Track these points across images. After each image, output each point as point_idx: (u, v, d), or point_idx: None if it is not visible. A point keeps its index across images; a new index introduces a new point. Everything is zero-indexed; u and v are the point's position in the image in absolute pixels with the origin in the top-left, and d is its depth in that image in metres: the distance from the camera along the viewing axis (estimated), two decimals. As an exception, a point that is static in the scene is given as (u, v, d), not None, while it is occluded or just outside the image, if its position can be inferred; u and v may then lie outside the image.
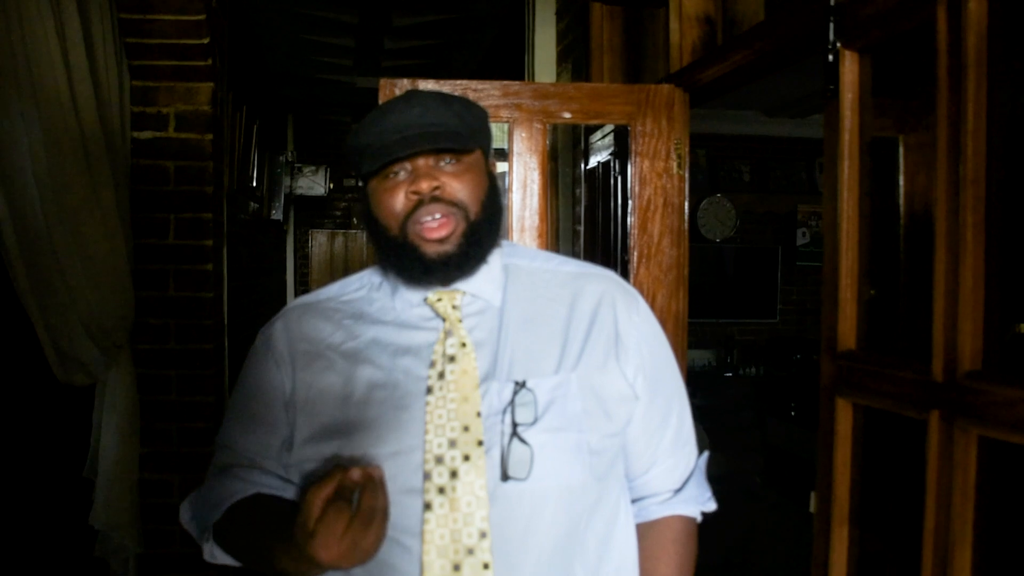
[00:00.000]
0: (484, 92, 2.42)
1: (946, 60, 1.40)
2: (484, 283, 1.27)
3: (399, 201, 1.20)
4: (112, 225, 2.84)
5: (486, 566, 1.12)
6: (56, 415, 3.64)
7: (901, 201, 2.28)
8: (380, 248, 1.26)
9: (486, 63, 5.84)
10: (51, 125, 2.58)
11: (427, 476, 1.14)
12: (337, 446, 1.18)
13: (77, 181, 2.68)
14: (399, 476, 1.14)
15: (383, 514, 1.02)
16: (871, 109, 1.73)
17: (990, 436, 1.34)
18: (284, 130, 7.58)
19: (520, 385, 1.19)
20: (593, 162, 3.28)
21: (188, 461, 3.16)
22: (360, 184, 1.30)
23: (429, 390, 1.18)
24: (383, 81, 2.45)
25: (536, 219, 2.46)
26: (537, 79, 3.74)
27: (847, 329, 1.74)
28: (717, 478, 1.42)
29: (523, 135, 2.43)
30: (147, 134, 3.08)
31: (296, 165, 7.09)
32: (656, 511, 1.35)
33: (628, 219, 2.54)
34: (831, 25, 1.73)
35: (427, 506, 1.13)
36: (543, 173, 2.45)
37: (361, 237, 8.64)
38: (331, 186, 7.61)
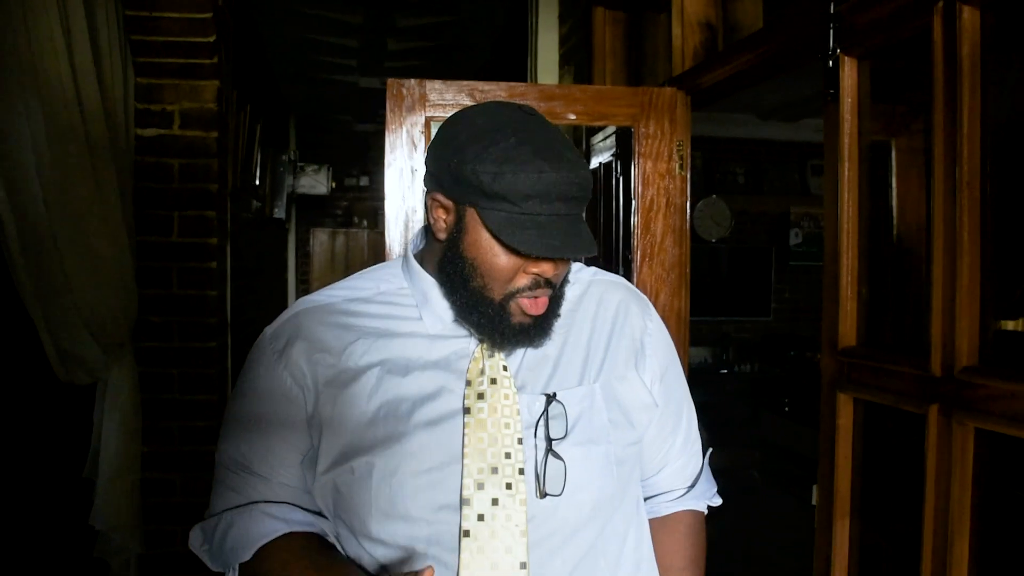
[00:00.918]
0: (490, 93, 2.45)
1: (942, 66, 1.45)
2: None
3: (514, 273, 1.13)
4: (115, 222, 2.81)
5: None
6: (56, 414, 3.60)
7: (894, 203, 2.33)
8: (460, 295, 1.16)
9: (489, 66, 5.88)
10: (55, 121, 2.55)
11: (466, 502, 1.11)
12: (366, 463, 1.13)
13: (80, 178, 2.65)
14: (434, 493, 1.12)
15: None
16: (869, 113, 1.78)
17: (987, 429, 1.39)
18: (287, 129, 7.59)
19: (551, 398, 1.17)
20: (595, 163, 3.32)
21: (190, 460, 3.14)
22: (451, 201, 1.15)
23: (467, 410, 1.14)
24: (390, 81, 2.49)
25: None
26: (540, 82, 3.78)
27: (848, 326, 1.78)
28: (714, 473, 1.46)
29: (528, 136, 2.47)
30: (151, 131, 3.07)
31: (298, 164, 7.11)
32: (668, 507, 1.38)
33: (631, 219, 2.58)
34: (831, 32, 1.78)
35: (466, 533, 1.11)
36: (548, 174, 2.50)
37: (362, 236, 8.66)
38: (333, 185, 7.63)
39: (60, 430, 3.57)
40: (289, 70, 6.30)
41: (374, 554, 1.13)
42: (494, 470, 1.12)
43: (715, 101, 2.64)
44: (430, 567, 0.97)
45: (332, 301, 1.25)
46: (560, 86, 3.35)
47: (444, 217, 1.17)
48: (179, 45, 3.05)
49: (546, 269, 1.12)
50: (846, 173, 1.77)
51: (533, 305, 1.14)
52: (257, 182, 5.06)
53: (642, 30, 3.27)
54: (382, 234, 2.53)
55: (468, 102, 2.44)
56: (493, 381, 1.16)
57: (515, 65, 4.41)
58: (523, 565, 1.11)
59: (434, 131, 2.52)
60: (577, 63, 3.59)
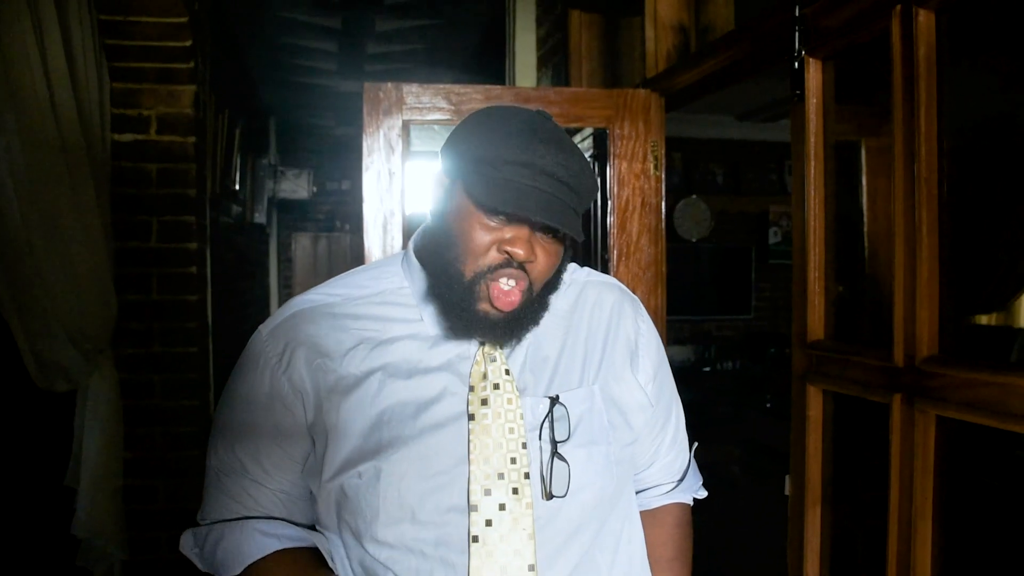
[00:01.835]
0: (466, 96, 2.48)
1: (900, 68, 1.50)
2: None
3: (487, 248, 1.13)
4: (93, 229, 2.79)
5: None
6: (36, 422, 3.55)
7: (864, 200, 2.38)
8: (437, 267, 1.17)
9: (468, 68, 5.91)
10: (29, 127, 2.51)
11: (474, 508, 1.12)
12: (373, 468, 1.13)
13: (56, 184, 2.62)
14: (441, 496, 1.13)
15: None
16: (834, 113, 1.82)
17: (947, 416, 1.44)
18: (267, 134, 7.57)
19: (555, 400, 1.18)
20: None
21: (173, 466, 3.13)
22: (447, 178, 1.19)
23: (472, 416, 1.15)
24: (367, 85, 2.51)
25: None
26: (518, 84, 3.81)
27: (816, 320, 1.83)
28: (698, 469, 1.50)
29: (504, 138, 2.50)
30: (128, 136, 3.05)
31: (279, 168, 7.10)
32: (657, 501, 1.41)
33: (608, 219, 2.62)
34: (796, 34, 1.82)
35: (475, 538, 1.12)
36: (524, 175, 2.52)
37: (345, 240, 8.65)
38: (314, 189, 7.63)
39: (40, 438, 3.50)
40: (268, 74, 6.29)
41: (379, 557, 1.14)
42: (500, 475, 1.13)
43: (688, 102, 2.68)
44: None
45: (330, 301, 1.23)
46: (535, 88, 3.39)
47: (439, 194, 1.19)
48: (155, 50, 3.03)
49: (519, 247, 1.11)
50: (812, 172, 1.82)
51: (502, 295, 1.13)
52: (237, 187, 5.06)
53: (618, 32, 3.31)
54: (364, 237, 2.56)
55: (445, 106, 2.47)
56: (496, 386, 1.17)
57: (494, 67, 4.44)
58: (531, 567, 1.13)
59: (411, 134, 2.55)
60: (555, 65, 3.63)
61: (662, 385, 1.35)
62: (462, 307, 1.14)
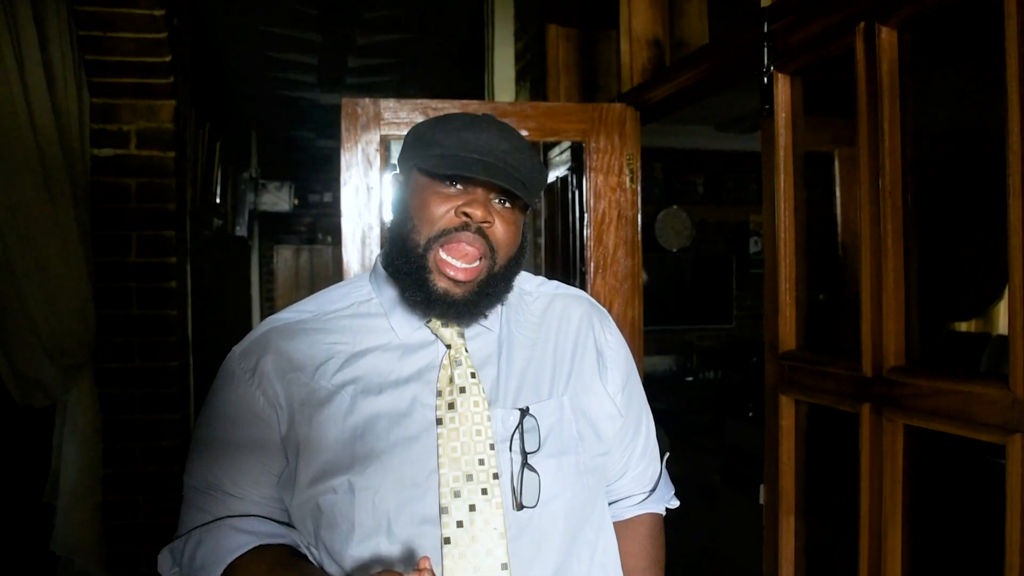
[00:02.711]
0: (444, 110, 2.50)
1: (864, 83, 1.54)
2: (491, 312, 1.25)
3: (444, 212, 1.16)
4: (71, 243, 2.79)
5: None
6: (14, 438, 3.52)
7: (838, 210, 2.41)
8: (394, 245, 1.21)
9: (447, 82, 5.94)
10: (7, 142, 2.52)
11: (444, 510, 1.13)
12: (347, 482, 1.13)
13: (34, 199, 2.63)
14: (415, 507, 1.14)
15: None
16: (803, 126, 1.85)
17: (914, 425, 1.46)
18: (248, 147, 7.56)
19: (525, 412, 1.19)
20: (552, 177, 3.38)
21: (154, 481, 3.12)
22: (398, 171, 1.25)
23: (439, 421, 1.16)
24: (345, 100, 2.53)
25: (495, 232, 2.55)
26: (497, 98, 3.84)
27: (787, 331, 1.85)
28: (679, 478, 1.51)
29: (482, 152, 2.52)
30: (108, 151, 3.05)
31: (260, 181, 7.11)
32: (630, 511, 1.42)
33: (584, 231, 2.64)
34: (766, 50, 1.85)
35: (447, 540, 1.13)
36: (501, 188, 2.54)
37: (327, 252, 8.65)
38: (296, 202, 7.64)
39: (18, 454, 3.47)
40: (249, 88, 6.31)
41: (355, 570, 1.14)
42: (469, 477, 1.14)
43: (663, 115, 2.71)
44: (425, 557, 1.00)
45: (302, 318, 1.25)
46: (512, 103, 3.41)
47: (395, 191, 1.24)
48: (134, 65, 3.04)
49: (475, 208, 1.14)
50: (782, 184, 1.85)
51: (452, 265, 1.15)
52: (218, 200, 5.06)
53: (595, 47, 3.35)
54: (346, 250, 2.57)
55: (422, 120, 2.49)
56: (462, 390, 1.18)
57: (473, 81, 4.46)
58: (504, 566, 1.14)
59: (390, 149, 2.57)
60: (532, 79, 3.66)
61: (632, 396, 1.37)
62: (419, 279, 1.16)
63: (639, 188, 2.63)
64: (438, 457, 1.15)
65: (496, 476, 1.16)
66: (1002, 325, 3.61)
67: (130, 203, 3.08)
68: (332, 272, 8.67)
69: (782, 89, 1.83)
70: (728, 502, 4.82)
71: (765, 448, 1.92)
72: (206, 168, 4.48)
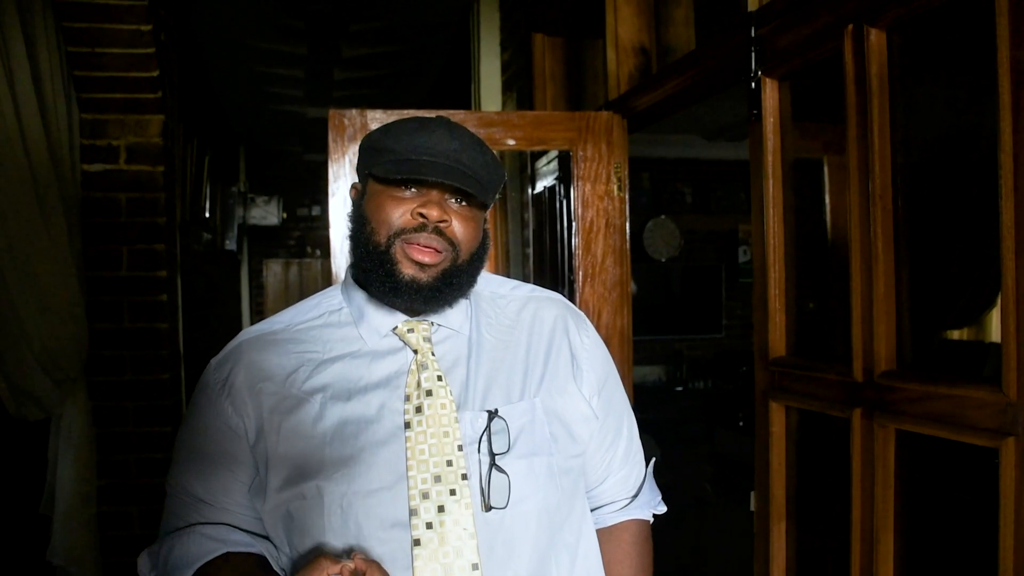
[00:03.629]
0: (432, 121, 2.50)
1: (853, 87, 1.54)
2: (453, 312, 1.27)
3: (401, 215, 1.18)
4: (63, 258, 2.82)
5: None
6: (9, 451, 3.56)
7: (828, 217, 2.42)
8: (358, 250, 1.23)
9: (434, 93, 5.95)
10: None
11: (413, 512, 1.14)
12: (316, 487, 1.15)
13: (27, 215, 2.66)
14: (385, 512, 1.14)
15: None
16: (791, 132, 1.86)
17: (905, 429, 1.46)
18: (236, 161, 7.57)
19: (493, 414, 1.20)
20: (539, 187, 3.39)
21: (147, 492, 3.14)
22: (358, 182, 1.28)
23: (407, 425, 1.18)
24: (332, 112, 2.53)
25: (485, 242, 2.55)
26: (483, 108, 3.85)
27: (777, 337, 1.85)
28: (670, 487, 1.50)
29: (470, 162, 2.52)
30: (98, 167, 3.07)
31: (249, 196, 7.10)
32: (613, 518, 1.41)
33: (572, 240, 2.64)
34: (753, 54, 1.86)
35: (416, 542, 1.13)
36: (490, 198, 2.54)
37: (316, 266, 8.65)
38: (284, 216, 7.63)
39: (14, 467, 3.51)
40: (236, 102, 6.31)
41: None
42: (437, 479, 1.15)
43: (651, 123, 2.71)
44: (356, 553, 1.04)
45: (274, 328, 1.28)
46: (499, 113, 3.42)
47: (355, 201, 1.27)
48: (123, 80, 3.06)
49: (430, 209, 1.16)
50: (771, 189, 1.85)
51: (419, 251, 1.17)
52: (207, 214, 5.06)
53: (581, 55, 3.35)
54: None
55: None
56: (429, 393, 1.19)
57: (460, 92, 4.47)
58: (475, 566, 1.14)
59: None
60: (519, 89, 3.67)
61: (611, 399, 1.37)
62: (386, 271, 1.18)
63: (627, 196, 2.64)
64: (406, 460, 1.16)
65: (465, 477, 1.17)
66: (995, 333, 3.61)
67: (120, 218, 3.11)
68: (321, 285, 8.64)
69: (770, 94, 1.84)
70: (719, 511, 4.80)
71: (756, 455, 1.92)
72: (195, 183, 4.48)
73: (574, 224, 2.62)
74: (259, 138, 7.80)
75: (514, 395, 1.25)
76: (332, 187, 2.48)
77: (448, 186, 1.18)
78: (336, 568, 1.02)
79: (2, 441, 3.45)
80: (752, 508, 1.95)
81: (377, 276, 1.19)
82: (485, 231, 1.27)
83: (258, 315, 8.51)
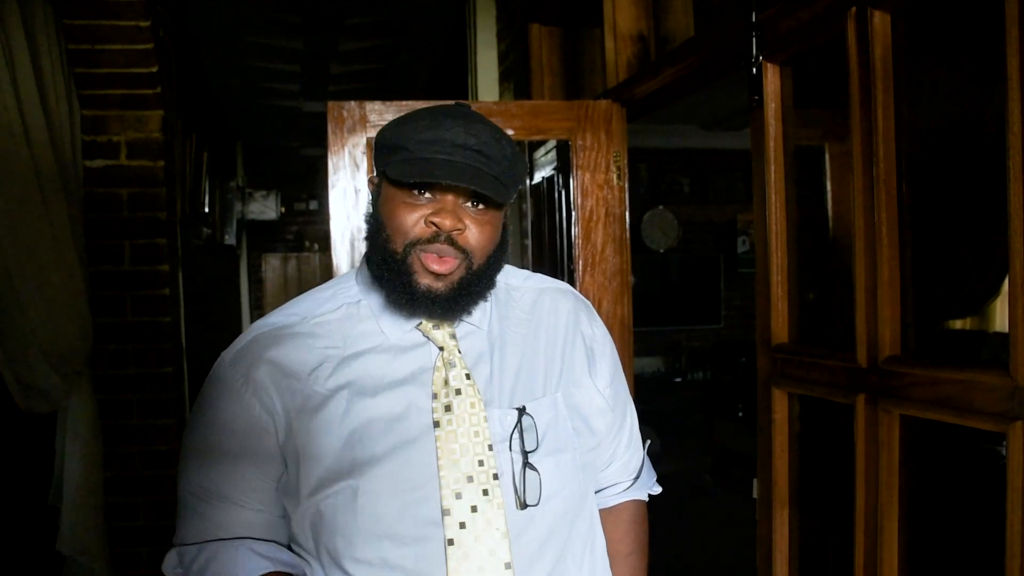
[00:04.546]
0: (431, 112, 2.50)
1: (857, 70, 1.53)
2: (476, 309, 1.24)
3: (415, 222, 1.14)
4: (68, 253, 2.85)
5: None
6: (19, 443, 3.61)
7: (829, 205, 2.41)
8: (374, 253, 1.20)
9: (431, 85, 5.94)
10: (3, 155, 2.59)
11: (446, 512, 1.13)
12: (349, 487, 1.13)
13: (32, 211, 2.70)
14: (418, 512, 1.14)
15: None
16: (793, 118, 1.85)
17: (910, 415, 1.46)
18: (234, 156, 7.57)
19: (522, 411, 1.20)
20: (538, 177, 3.38)
21: (152, 483, 3.19)
22: (374, 175, 1.23)
23: (436, 424, 1.16)
24: (330, 104, 2.52)
25: (485, 233, 2.54)
26: (480, 99, 3.84)
27: (780, 324, 1.85)
28: (670, 478, 1.51)
29: (470, 153, 2.51)
30: (99, 162, 3.09)
31: (247, 190, 7.10)
32: (615, 499, 1.43)
33: (572, 230, 2.64)
34: (754, 39, 1.85)
35: (450, 542, 1.13)
36: (490, 188, 2.53)
37: (314, 260, 8.65)
38: (283, 210, 7.62)
39: (24, 459, 3.56)
40: (234, 97, 6.30)
41: (357, 574, 1.14)
42: (469, 479, 1.14)
43: (650, 111, 2.70)
44: None
45: (290, 322, 1.23)
46: (497, 103, 3.41)
47: (371, 196, 1.24)
48: (122, 76, 3.08)
49: (444, 218, 1.12)
50: (772, 175, 1.84)
51: (436, 261, 1.14)
52: (206, 209, 5.05)
53: (578, 44, 3.34)
54: (334, 257, 2.56)
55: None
56: (458, 392, 1.17)
57: (457, 83, 4.46)
58: (508, 565, 1.14)
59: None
60: (516, 79, 3.66)
61: (618, 388, 1.37)
62: (402, 281, 1.15)
63: (626, 185, 2.63)
64: (437, 460, 1.15)
65: (496, 476, 1.16)
66: (999, 323, 3.62)
67: (122, 213, 3.13)
68: (319, 279, 8.62)
69: (771, 79, 1.83)
70: (719, 502, 4.83)
71: (758, 442, 1.92)
72: (194, 178, 4.48)
73: (574, 213, 2.62)
74: (256, 133, 7.79)
75: (537, 391, 1.24)
76: (332, 179, 2.48)
77: (463, 188, 1.14)
78: None
79: (12, 434, 3.50)
80: (755, 495, 1.95)
81: (394, 285, 1.16)
82: (504, 227, 1.23)
83: (257, 309, 8.51)
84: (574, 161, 2.61)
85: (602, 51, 2.79)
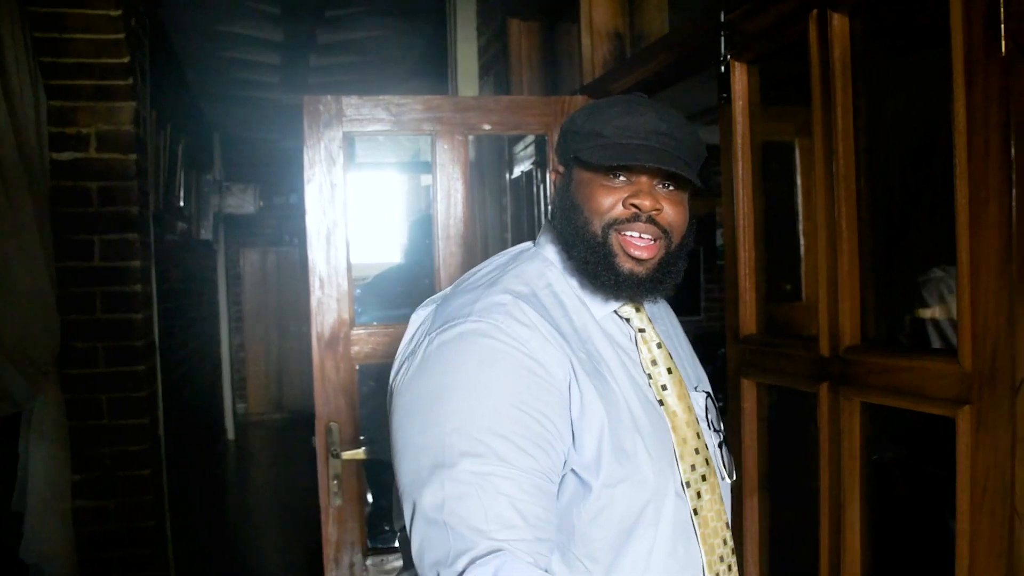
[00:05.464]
0: (406, 107, 2.51)
1: (818, 69, 1.57)
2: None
3: (613, 204, 1.17)
4: (32, 249, 2.76)
5: (730, 568, 1.24)
6: None
7: (799, 200, 2.45)
8: (570, 238, 1.20)
9: (412, 78, 5.94)
10: None
11: (687, 484, 1.19)
12: (628, 475, 1.12)
13: None
14: (670, 487, 1.16)
15: None
16: (761, 115, 1.88)
17: (870, 402, 1.50)
18: (211, 148, 7.51)
19: (708, 395, 1.31)
20: (517, 172, 3.41)
21: (124, 485, 3.11)
22: (562, 166, 1.25)
23: (661, 402, 1.21)
24: (307, 98, 2.52)
25: (461, 227, 2.56)
26: (461, 93, 3.85)
27: (747, 316, 1.89)
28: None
29: (445, 147, 2.53)
30: (67, 155, 3.02)
31: (224, 183, 7.07)
32: None
33: (548, 224, 2.66)
34: (722, 39, 1.88)
35: (695, 511, 1.19)
36: (465, 182, 2.56)
37: (294, 254, 8.57)
38: (261, 204, 7.60)
39: None
40: (211, 89, 6.26)
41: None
42: (696, 451, 1.21)
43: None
44: None
45: (522, 291, 1.18)
46: (475, 98, 3.43)
47: (558, 185, 1.27)
48: (92, 67, 3.02)
49: (643, 199, 1.15)
50: (740, 171, 1.88)
51: (637, 246, 1.16)
52: (182, 203, 5.03)
53: (557, 40, 3.37)
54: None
55: (385, 116, 2.49)
56: (669, 371, 1.24)
57: (438, 77, 4.47)
58: (727, 525, 1.24)
59: (356, 146, 2.57)
60: (496, 73, 3.68)
61: None
62: (605, 264, 1.18)
63: (602, 180, 2.65)
64: (672, 435, 1.20)
65: (708, 463, 1.23)
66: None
67: (92, 207, 3.06)
68: (299, 274, 8.61)
69: (739, 78, 1.86)
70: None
71: (728, 430, 1.95)
72: (169, 171, 4.46)
73: (550, 208, 2.64)
74: (234, 125, 7.73)
75: (700, 376, 1.38)
76: (308, 173, 2.48)
77: (657, 171, 1.17)
78: None
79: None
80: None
81: (595, 268, 1.18)
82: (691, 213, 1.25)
83: (236, 305, 8.44)
84: (550, 156, 2.63)
85: (579, 47, 2.81)
